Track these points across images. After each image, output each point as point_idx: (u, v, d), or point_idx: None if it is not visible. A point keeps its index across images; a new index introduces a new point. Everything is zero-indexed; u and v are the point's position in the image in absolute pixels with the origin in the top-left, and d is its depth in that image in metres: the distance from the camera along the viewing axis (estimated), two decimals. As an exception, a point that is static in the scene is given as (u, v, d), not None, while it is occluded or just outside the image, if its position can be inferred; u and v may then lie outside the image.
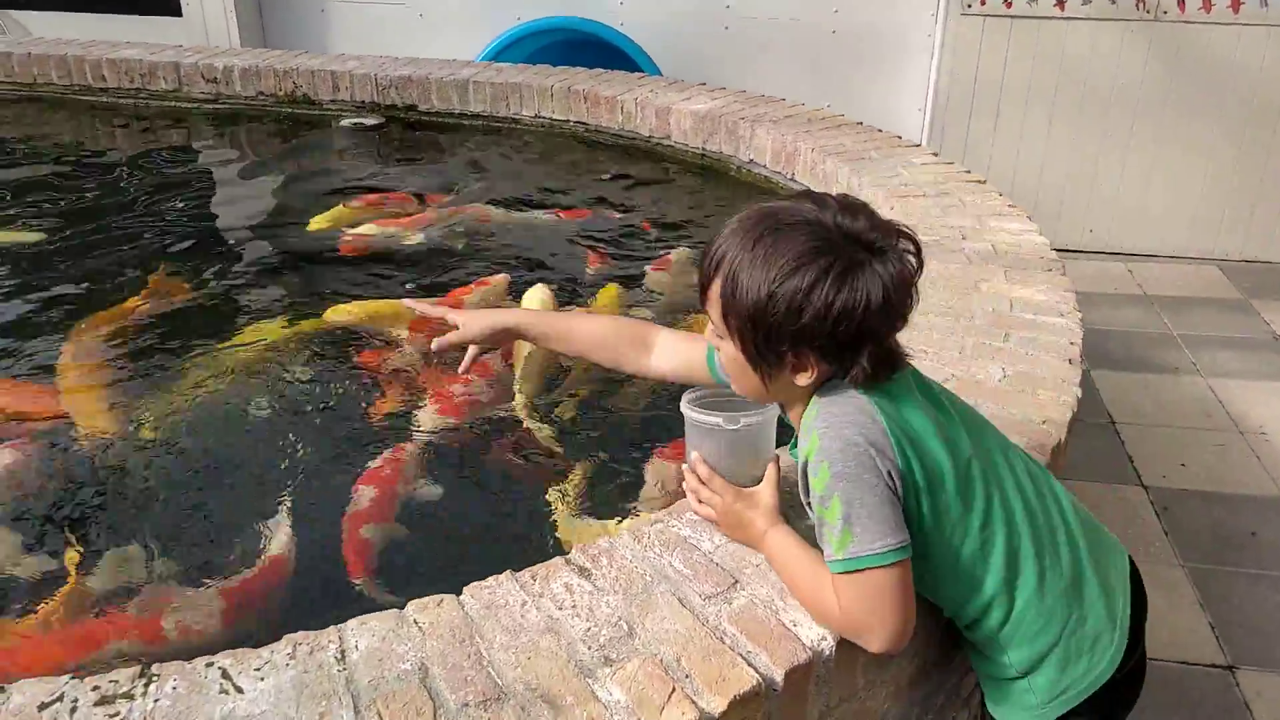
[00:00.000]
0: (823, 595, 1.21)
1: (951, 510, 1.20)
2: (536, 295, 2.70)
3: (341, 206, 3.46)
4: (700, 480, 1.38)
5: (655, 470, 2.04)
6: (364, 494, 1.93)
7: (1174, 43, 4.60)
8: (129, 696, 1.15)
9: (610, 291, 2.84)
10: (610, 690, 1.13)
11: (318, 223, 3.33)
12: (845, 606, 1.18)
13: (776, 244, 1.13)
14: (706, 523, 1.43)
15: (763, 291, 1.12)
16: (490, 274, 2.93)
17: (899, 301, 1.13)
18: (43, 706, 1.13)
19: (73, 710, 1.13)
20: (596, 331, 1.66)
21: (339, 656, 1.20)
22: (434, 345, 1.72)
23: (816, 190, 1.16)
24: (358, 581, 1.74)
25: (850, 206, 1.17)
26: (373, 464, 2.03)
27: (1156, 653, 2.34)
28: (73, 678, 1.17)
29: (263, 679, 1.17)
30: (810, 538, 1.26)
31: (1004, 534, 1.22)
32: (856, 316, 1.11)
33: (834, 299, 1.10)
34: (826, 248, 1.12)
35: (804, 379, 1.18)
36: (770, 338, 1.15)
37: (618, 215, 3.42)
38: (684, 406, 1.40)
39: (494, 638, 1.22)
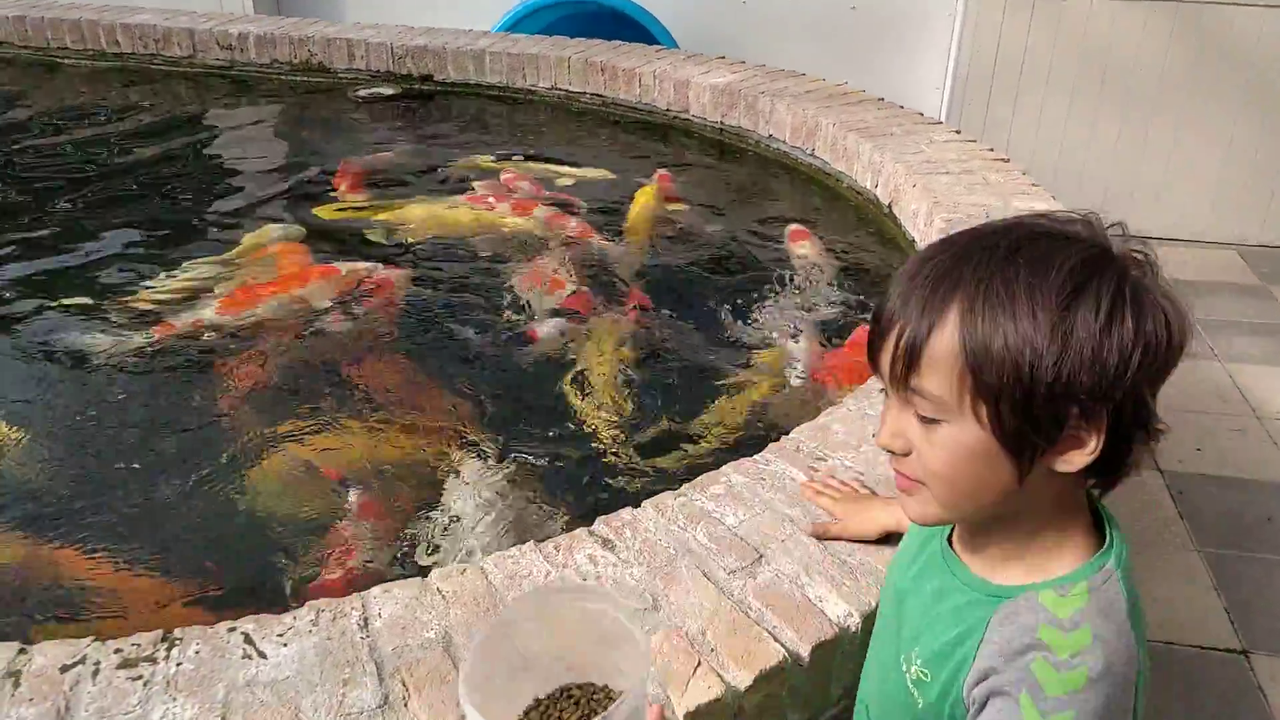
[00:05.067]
0: None
1: None
2: (648, 191, 3.19)
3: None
4: None
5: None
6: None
7: (1198, 24, 4.53)
8: (151, 660, 1.14)
9: (647, 192, 3.20)
10: (635, 662, 1.12)
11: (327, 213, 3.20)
12: None
13: (1038, 260, 0.79)
14: (730, 497, 1.42)
15: (1041, 327, 0.77)
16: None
17: (1180, 331, 0.81)
18: (65, 669, 1.13)
19: (95, 673, 1.13)
20: None
21: (362, 624, 1.19)
22: (811, 532, 1.37)
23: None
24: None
25: (1065, 219, 0.86)
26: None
27: (1172, 636, 2.34)
28: (95, 640, 1.17)
29: (285, 645, 1.16)
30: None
31: None
32: (1161, 353, 0.80)
33: (1137, 327, 0.78)
34: (1101, 260, 0.80)
35: (1079, 458, 0.81)
36: (1053, 395, 0.78)
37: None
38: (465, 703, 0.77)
39: (517, 608, 1.21)
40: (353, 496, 1.85)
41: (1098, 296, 0.78)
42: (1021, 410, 0.79)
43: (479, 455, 1.96)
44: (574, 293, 2.59)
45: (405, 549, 1.72)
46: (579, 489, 1.88)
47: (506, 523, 1.72)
